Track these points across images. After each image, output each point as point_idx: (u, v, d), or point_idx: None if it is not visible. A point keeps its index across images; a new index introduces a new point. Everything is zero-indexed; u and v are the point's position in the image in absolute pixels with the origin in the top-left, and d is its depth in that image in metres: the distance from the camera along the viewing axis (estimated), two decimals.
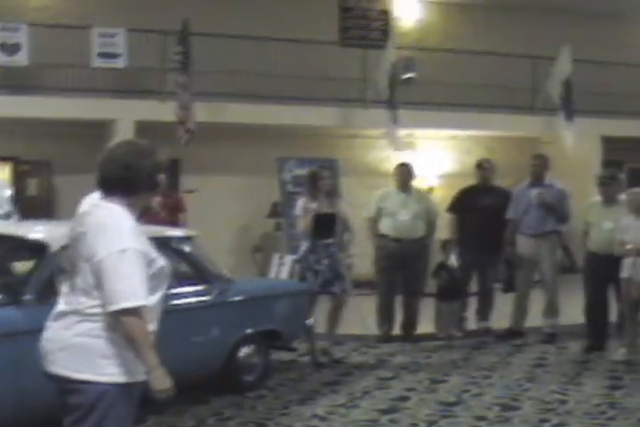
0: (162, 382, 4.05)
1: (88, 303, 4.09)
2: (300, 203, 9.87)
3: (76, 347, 4.07)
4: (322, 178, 9.87)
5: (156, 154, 4.31)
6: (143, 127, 13.63)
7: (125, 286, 3.99)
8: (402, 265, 10.91)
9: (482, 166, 11.71)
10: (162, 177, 4.33)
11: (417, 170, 11.72)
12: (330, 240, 9.77)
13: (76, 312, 4.12)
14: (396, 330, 11.19)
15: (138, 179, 4.21)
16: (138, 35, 14.90)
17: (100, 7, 15.67)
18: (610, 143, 17.90)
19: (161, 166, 4.31)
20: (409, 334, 11.10)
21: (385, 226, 11.08)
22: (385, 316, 11.16)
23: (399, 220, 11.01)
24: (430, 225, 11.19)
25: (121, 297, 3.97)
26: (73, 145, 14.86)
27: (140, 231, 4.21)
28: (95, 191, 4.30)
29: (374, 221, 11.16)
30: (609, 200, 10.25)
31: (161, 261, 4.25)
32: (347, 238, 10.09)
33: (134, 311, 3.99)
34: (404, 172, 11.24)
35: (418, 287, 11.14)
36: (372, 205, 11.22)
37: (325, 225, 9.70)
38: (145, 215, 4.62)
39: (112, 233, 4.08)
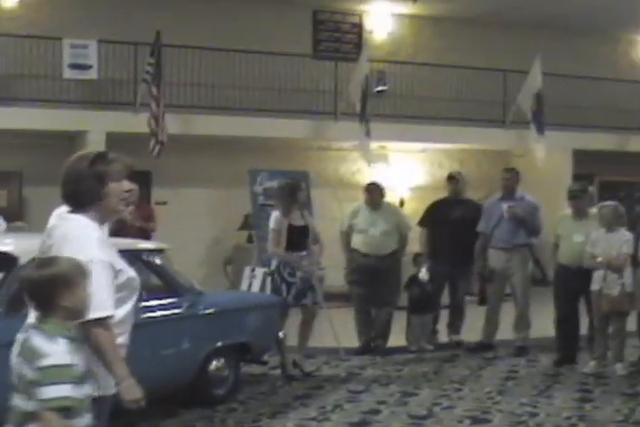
0: (132, 392, 4.03)
1: None
2: (275, 216, 9.83)
3: None
4: (301, 190, 9.90)
5: (107, 163, 4.21)
6: (114, 139, 13.58)
7: (93, 296, 3.95)
8: (374, 279, 10.88)
9: (453, 179, 11.73)
10: (133, 186, 4.29)
11: (388, 182, 11.74)
12: (303, 253, 9.77)
13: None
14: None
15: (82, 189, 4.16)
16: (109, 46, 14.87)
17: (72, 18, 15.59)
18: (581, 156, 17.98)
19: (109, 175, 4.19)
20: (380, 347, 11.07)
21: (356, 241, 11.08)
22: (361, 328, 11.15)
23: (369, 236, 11.00)
24: (402, 239, 11.19)
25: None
26: (44, 156, 14.71)
27: (108, 243, 4.19)
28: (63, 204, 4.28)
29: (347, 234, 11.17)
30: (579, 213, 10.28)
31: (130, 273, 4.23)
32: (317, 251, 10.09)
33: (102, 322, 3.97)
34: (375, 191, 11.21)
35: (391, 300, 11.12)
36: (345, 221, 11.23)
37: (299, 237, 9.69)
38: (121, 227, 4.59)
39: (78, 244, 4.05)
